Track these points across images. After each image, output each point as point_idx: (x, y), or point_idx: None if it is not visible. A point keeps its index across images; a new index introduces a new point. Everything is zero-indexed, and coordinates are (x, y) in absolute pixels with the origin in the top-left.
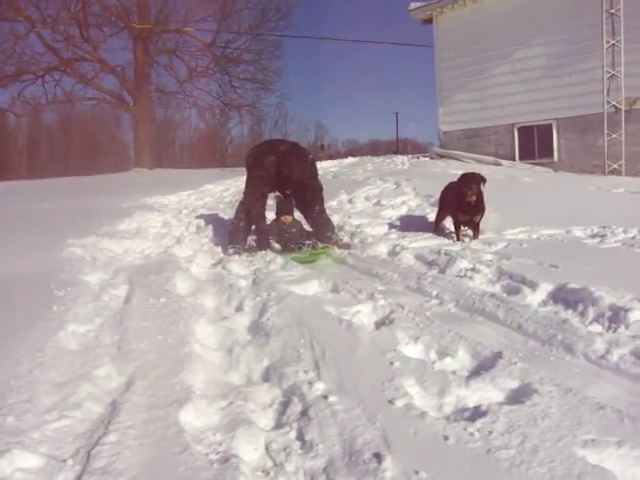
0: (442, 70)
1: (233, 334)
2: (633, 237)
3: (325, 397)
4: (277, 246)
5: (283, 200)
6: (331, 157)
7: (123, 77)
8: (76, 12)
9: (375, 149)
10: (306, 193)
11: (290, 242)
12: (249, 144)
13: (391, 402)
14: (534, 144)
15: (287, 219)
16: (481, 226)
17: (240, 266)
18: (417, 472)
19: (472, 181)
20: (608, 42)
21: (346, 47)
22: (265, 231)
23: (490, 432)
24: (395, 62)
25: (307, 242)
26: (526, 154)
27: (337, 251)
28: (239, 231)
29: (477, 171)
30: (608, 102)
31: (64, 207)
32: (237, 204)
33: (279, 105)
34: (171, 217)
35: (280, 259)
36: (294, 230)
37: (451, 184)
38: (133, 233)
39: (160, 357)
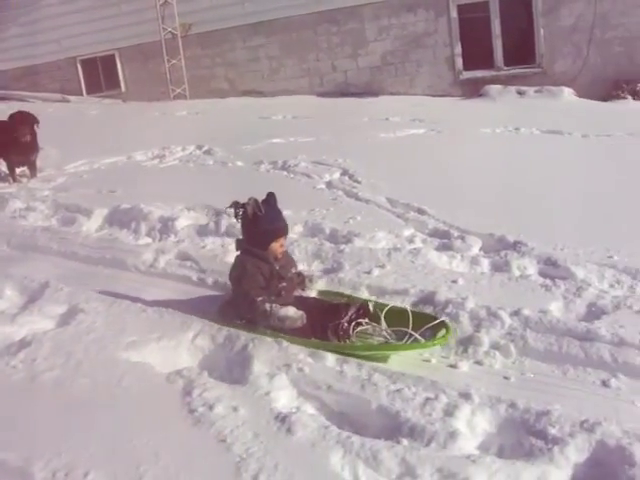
0: None
1: None
2: (190, 153)
3: None
4: (296, 314)
5: (268, 208)
6: None
7: None
8: None
9: None
10: None
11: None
12: None
13: None
14: (100, 77)
15: (282, 246)
16: (40, 164)
17: None
18: None
19: (24, 122)
20: None
21: None
22: None
23: (34, 359)
24: None
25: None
26: (93, 88)
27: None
28: None
29: (41, 110)
30: (164, 29)
31: None
32: None
33: None
34: None
35: None
36: (293, 271)
37: None
38: None
39: None
